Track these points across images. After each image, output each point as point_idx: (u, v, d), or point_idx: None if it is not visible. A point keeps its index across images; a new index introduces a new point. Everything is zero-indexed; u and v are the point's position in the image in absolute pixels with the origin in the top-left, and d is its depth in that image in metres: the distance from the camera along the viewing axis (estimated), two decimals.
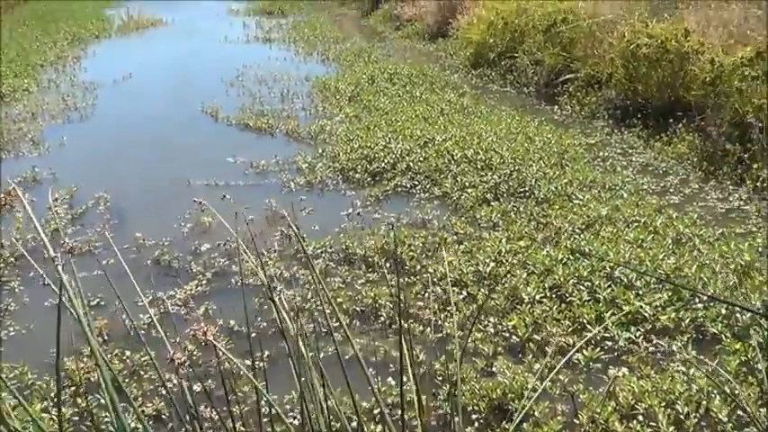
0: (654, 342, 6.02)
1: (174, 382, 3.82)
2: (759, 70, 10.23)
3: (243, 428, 3.99)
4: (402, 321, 3.68)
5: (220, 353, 2.98)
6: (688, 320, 6.25)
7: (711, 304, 6.42)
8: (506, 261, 7.54)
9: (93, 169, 11.42)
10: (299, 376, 3.24)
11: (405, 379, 5.17)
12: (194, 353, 6.03)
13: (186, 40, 25.74)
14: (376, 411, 5.23)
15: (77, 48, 23.62)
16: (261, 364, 4.27)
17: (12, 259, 8.21)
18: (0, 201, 2.88)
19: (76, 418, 5.46)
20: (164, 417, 5.46)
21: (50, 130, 13.91)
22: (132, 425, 3.33)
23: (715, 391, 5.27)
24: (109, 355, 6.22)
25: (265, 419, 4.24)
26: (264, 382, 3.58)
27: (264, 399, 3.22)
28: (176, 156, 12.22)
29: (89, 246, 8.05)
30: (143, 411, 3.27)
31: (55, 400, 5.68)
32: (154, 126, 14.37)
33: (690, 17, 12.50)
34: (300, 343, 3.20)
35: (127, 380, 5.82)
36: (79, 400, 5.60)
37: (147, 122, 14.66)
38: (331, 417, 3.29)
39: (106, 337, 6.49)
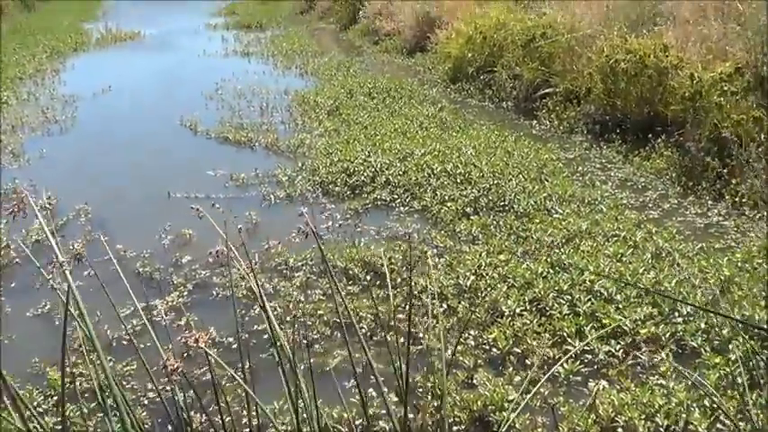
0: (634, 355, 6.06)
1: (159, 391, 3.81)
2: (738, 86, 10.30)
3: None
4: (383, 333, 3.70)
5: (206, 362, 3.00)
6: (668, 334, 6.29)
7: (691, 318, 6.47)
8: (486, 274, 7.57)
9: (73, 181, 11.42)
10: (289, 384, 3.26)
11: (387, 390, 5.21)
12: (176, 363, 6.03)
13: (165, 54, 25.72)
14: (358, 422, 5.24)
15: (56, 61, 23.57)
16: (245, 375, 4.28)
17: None
18: (13, 207, 2.89)
19: (59, 428, 5.45)
20: (146, 426, 5.46)
21: (30, 142, 13.89)
22: None
23: (695, 404, 5.30)
24: (91, 366, 6.21)
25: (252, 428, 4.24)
26: (250, 392, 3.57)
27: (255, 406, 3.23)
28: (156, 169, 12.23)
29: (72, 256, 8.05)
30: (130, 421, 3.26)
31: (38, 410, 5.69)
32: (133, 139, 14.36)
33: (669, 33, 12.56)
34: (290, 352, 3.22)
35: (108, 390, 5.82)
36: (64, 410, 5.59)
37: (127, 135, 14.65)
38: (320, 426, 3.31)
39: (89, 348, 6.48)
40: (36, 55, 23.84)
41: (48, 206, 9.26)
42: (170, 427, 5.10)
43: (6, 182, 10.94)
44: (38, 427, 5.21)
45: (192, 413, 3.93)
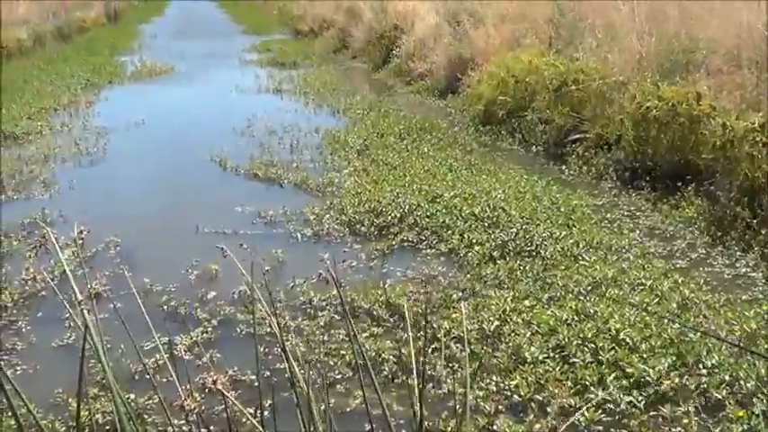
0: (656, 407, 6.02)
1: (175, 427, 3.82)
2: None
3: None
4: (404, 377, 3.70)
5: (226, 400, 3.00)
6: (692, 386, 6.25)
7: (716, 370, 6.43)
8: (511, 320, 7.56)
9: (102, 213, 11.46)
10: (306, 426, 3.26)
11: None
12: (198, 398, 6.05)
13: (198, 89, 25.83)
14: None
15: (90, 93, 23.69)
16: (265, 414, 4.28)
17: (21, 300, 8.28)
18: (36, 243, 2.92)
19: None
20: None
21: (62, 172, 13.97)
22: None
23: None
24: (109, 401, 6.24)
25: None
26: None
27: None
28: (185, 203, 12.28)
29: (90, 295, 8.07)
30: None
31: None
32: (164, 172, 14.45)
33: (702, 81, 12.53)
34: (309, 393, 3.22)
35: (131, 422, 5.83)
36: None
37: (158, 169, 14.74)
38: None
39: (107, 383, 6.50)
40: (71, 86, 24.00)
41: (80, 240, 9.29)
42: None
43: (36, 211, 11.01)
44: None
45: None
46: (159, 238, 10.47)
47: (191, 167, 14.82)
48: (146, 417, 6.07)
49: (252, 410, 4.11)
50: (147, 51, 33.98)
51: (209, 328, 7.67)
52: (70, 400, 6.25)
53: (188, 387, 3.50)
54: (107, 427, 5.81)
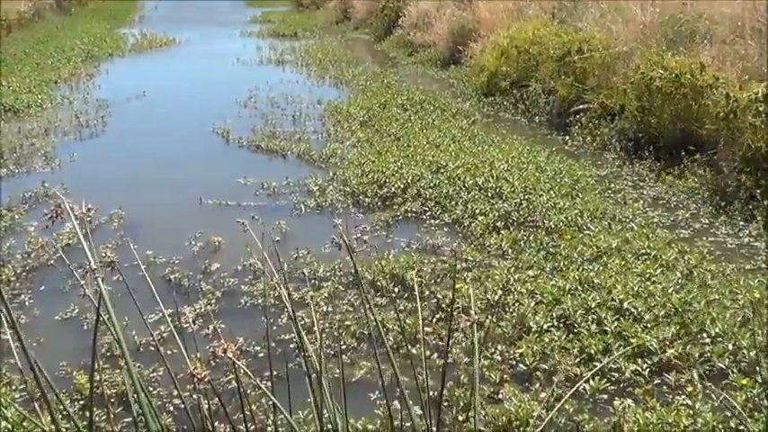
0: (660, 375, 6.03)
1: (183, 398, 3.81)
2: None
3: None
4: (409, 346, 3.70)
5: (233, 370, 3.00)
6: (696, 355, 6.26)
7: (719, 339, 6.43)
8: (515, 290, 7.56)
9: (104, 186, 11.45)
10: (315, 395, 3.26)
11: (411, 403, 5.20)
12: (204, 370, 6.05)
13: (199, 61, 25.76)
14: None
15: (91, 65, 23.64)
16: (269, 384, 4.28)
17: (24, 273, 8.28)
18: (51, 212, 2.92)
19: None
20: None
21: (63, 146, 13.96)
22: None
23: (721, 426, 5.26)
24: (117, 371, 6.25)
25: None
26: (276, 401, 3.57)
27: (280, 415, 3.24)
28: (188, 175, 12.27)
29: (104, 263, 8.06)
30: (152, 427, 3.27)
31: (65, 412, 5.70)
32: (166, 145, 14.46)
33: (705, 51, 12.49)
34: (317, 362, 3.22)
35: (135, 395, 5.84)
36: (88, 413, 5.62)
37: (160, 141, 14.75)
38: None
39: (116, 353, 6.51)
40: (71, 59, 23.93)
41: (87, 217, 9.27)
42: None
43: (37, 185, 11.01)
44: (63, 430, 5.25)
45: (216, 422, 3.93)
46: (162, 211, 10.46)
47: (193, 139, 14.81)
48: (150, 389, 6.07)
49: (258, 381, 4.10)
50: (148, 23, 33.95)
51: (213, 300, 7.67)
52: (74, 372, 6.26)
53: (196, 357, 3.50)
54: (112, 400, 5.82)
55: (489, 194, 10.28)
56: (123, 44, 28.94)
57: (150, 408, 3.26)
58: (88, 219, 3.56)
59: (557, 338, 6.58)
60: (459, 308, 7.17)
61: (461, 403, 5.73)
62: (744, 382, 5.75)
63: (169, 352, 5.84)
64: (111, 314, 3.00)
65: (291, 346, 6.60)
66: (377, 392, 5.82)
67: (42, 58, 23.62)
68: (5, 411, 5.49)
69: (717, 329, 6.56)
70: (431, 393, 3.74)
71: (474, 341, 4.28)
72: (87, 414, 5.62)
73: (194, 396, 3.61)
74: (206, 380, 2.87)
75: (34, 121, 15.69)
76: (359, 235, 8.98)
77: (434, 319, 7.07)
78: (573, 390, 4.19)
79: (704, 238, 9.10)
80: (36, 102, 17.38)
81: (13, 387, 6.09)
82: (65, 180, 11.27)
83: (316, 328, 6.27)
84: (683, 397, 5.73)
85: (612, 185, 11.08)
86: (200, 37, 31.33)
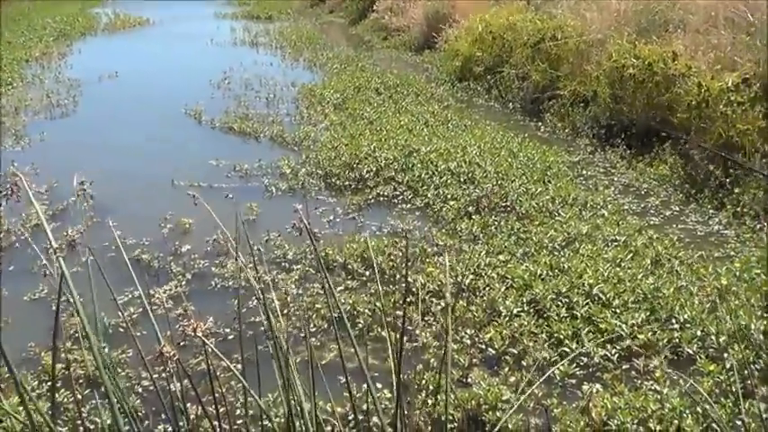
0: (629, 360, 6.05)
1: (153, 379, 3.80)
2: (745, 96, 10.28)
3: (226, 426, 4.00)
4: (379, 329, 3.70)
5: (202, 352, 3.00)
6: (663, 340, 6.29)
7: (688, 325, 6.47)
8: (485, 274, 7.57)
9: (74, 166, 11.30)
10: (284, 377, 3.26)
11: (381, 385, 5.22)
12: (171, 350, 6.04)
13: (172, 41, 25.69)
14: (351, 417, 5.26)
15: (63, 44, 23.55)
16: (239, 366, 4.28)
17: None
18: (7, 189, 2.89)
19: (50, 413, 5.46)
20: (140, 414, 5.48)
21: (33, 125, 13.91)
22: (108, 421, 3.33)
23: (688, 411, 5.29)
24: (87, 351, 6.22)
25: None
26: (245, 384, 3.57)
27: (249, 397, 3.24)
28: (159, 156, 12.24)
29: (66, 243, 8.02)
30: (120, 408, 3.27)
31: (33, 394, 5.69)
32: (137, 126, 14.37)
33: (678, 40, 12.53)
34: (286, 346, 3.22)
35: (107, 371, 5.82)
36: (57, 396, 5.60)
37: (131, 122, 14.67)
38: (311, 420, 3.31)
39: (84, 334, 6.48)
40: (43, 38, 23.80)
41: (43, 193, 9.20)
42: (164, 416, 5.11)
43: (6, 164, 10.93)
44: (32, 410, 5.22)
45: (187, 403, 3.92)
46: (133, 192, 10.40)
47: (165, 121, 14.77)
48: (119, 370, 6.04)
49: (228, 362, 4.09)
50: (121, 3, 33.75)
51: (184, 282, 7.65)
52: (42, 354, 6.23)
53: (166, 336, 3.49)
54: (80, 381, 5.80)
55: (461, 179, 10.29)
56: (96, 24, 28.84)
57: (117, 389, 3.25)
58: (45, 195, 3.54)
59: (526, 323, 6.59)
60: (430, 292, 7.20)
61: (430, 387, 5.74)
62: (711, 368, 5.78)
63: (139, 333, 5.83)
64: (73, 295, 2.98)
65: (262, 328, 6.59)
66: (347, 375, 5.83)
67: (14, 36, 23.51)
68: None
69: (685, 316, 6.59)
70: (403, 376, 3.74)
71: (445, 325, 4.30)
72: (57, 396, 5.63)
73: (163, 377, 3.60)
74: (175, 359, 2.86)
75: (4, 99, 15.61)
76: (331, 217, 9.00)
77: (404, 303, 7.07)
78: (545, 376, 4.21)
79: (674, 226, 9.14)
80: (6, 80, 17.29)
81: None
82: (35, 160, 11.20)
83: (285, 311, 6.29)
84: (651, 383, 5.76)
85: (584, 172, 11.11)
86: (174, 17, 31.20)
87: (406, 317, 5.83)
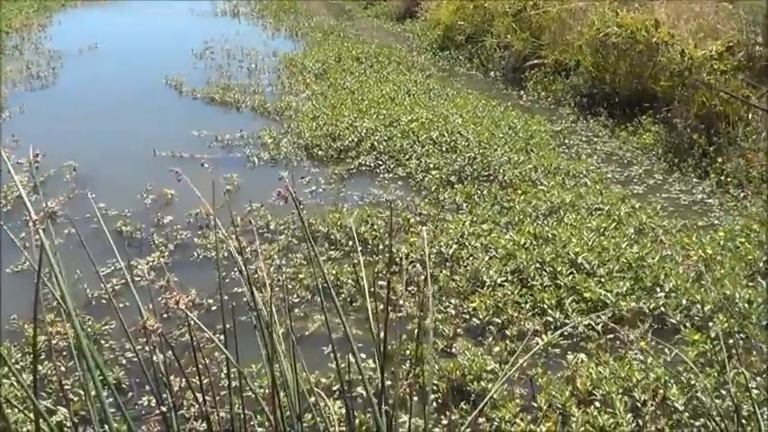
0: (613, 329, 6.04)
1: (136, 350, 3.77)
2: (728, 65, 10.28)
3: (210, 398, 3.98)
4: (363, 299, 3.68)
5: (185, 323, 2.97)
6: (648, 310, 6.29)
7: (673, 294, 6.46)
8: (469, 244, 7.55)
9: (56, 138, 11.31)
10: (267, 349, 3.24)
11: (365, 356, 5.20)
12: (155, 323, 6.01)
13: (153, 12, 25.52)
14: (336, 387, 5.24)
15: (43, 16, 23.40)
16: (223, 337, 4.26)
17: None
18: None
19: (37, 384, 5.44)
20: (124, 386, 5.46)
21: (13, 97, 13.81)
22: (93, 393, 3.30)
23: (673, 380, 5.30)
24: (67, 324, 6.18)
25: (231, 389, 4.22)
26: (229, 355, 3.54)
27: (234, 369, 3.22)
28: (140, 127, 12.14)
29: (45, 215, 7.95)
30: (103, 379, 3.25)
31: (17, 366, 5.66)
32: (118, 97, 14.25)
33: (661, 8, 12.50)
34: (269, 315, 3.19)
35: (88, 345, 5.79)
36: (40, 367, 5.57)
37: (112, 93, 14.54)
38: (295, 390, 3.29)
39: (64, 308, 6.45)
40: (23, 9, 23.64)
41: (35, 163, 9.14)
42: (147, 387, 5.09)
43: None
44: (15, 384, 5.19)
45: (171, 376, 3.89)
46: (114, 163, 10.33)
47: (147, 91, 14.67)
48: (102, 342, 6.02)
49: (212, 334, 4.06)
50: None
51: (166, 253, 7.62)
52: (26, 326, 6.19)
53: (149, 310, 3.46)
54: (65, 353, 5.76)
55: (444, 149, 10.27)
56: None
57: (95, 362, 3.22)
58: (36, 165, 3.49)
59: (510, 293, 6.58)
60: (413, 262, 7.18)
61: (414, 358, 5.74)
62: (696, 337, 5.78)
63: (122, 305, 5.80)
64: (53, 267, 2.94)
65: (245, 299, 6.56)
66: (330, 346, 5.82)
67: None
68: None
69: (670, 285, 6.59)
70: (385, 347, 3.72)
71: (428, 295, 4.28)
72: (40, 368, 5.60)
73: (146, 349, 3.57)
74: (158, 332, 2.83)
75: None
76: (313, 188, 8.97)
77: (388, 273, 7.05)
78: (524, 344, 4.19)
79: (657, 195, 9.14)
80: None
81: None
82: (15, 131, 11.13)
83: (268, 282, 6.26)
84: (635, 352, 5.76)
85: (567, 141, 11.09)
86: None
87: (390, 287, 5.82)
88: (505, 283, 6.76)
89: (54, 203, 3.15)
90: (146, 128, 12.09)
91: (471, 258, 7.25)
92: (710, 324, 6.00)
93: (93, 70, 16.66)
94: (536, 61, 14.60)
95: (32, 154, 3.23)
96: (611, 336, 6.02)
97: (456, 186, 9.07)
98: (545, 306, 6.39)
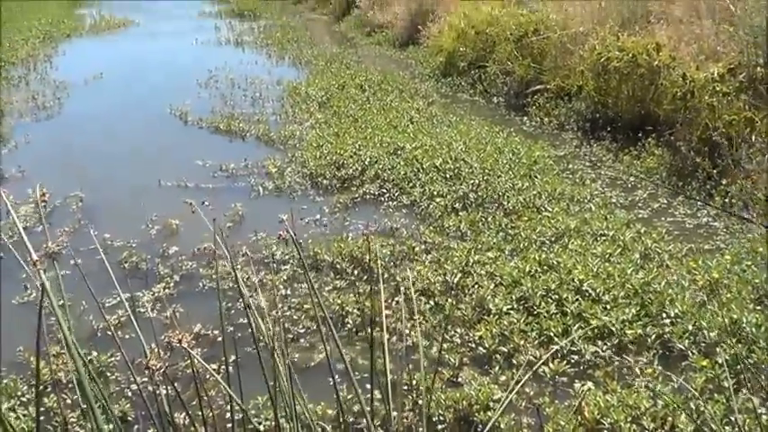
0: (620, 357, 6.03)
1: (139, 385, 3.76)
2: (730, 86, 10.28)
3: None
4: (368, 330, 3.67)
5: (190, 357, 2.97)
6: (654, 336, 6.27)
7: (679, 320, 6.45)
8: (474, 272, 7.54)
9: (61, 168, 11.34)
10: (271, 381, 3.23)
11: (369, 387, 5.19)
12: (161, 355, 6.00)
13: (157, 42, 25.66)
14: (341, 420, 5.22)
15: (49, 46, 23.50)
16: (230, 369, 4.25)
17: None
18: None
19: (42, 418, 5.44)
20: (130, 419, 5.45)
21: (19, 127, 13.85)
22: (96, 427, 3.29)
23: (681, 408, 5.27)
24: (70, 358, 6.17)
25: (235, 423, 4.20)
26: (233, 387, 3.54)
27: (236, 403, 3.21)
28: (146, 157, 12.17)
29: (58, 246, 7.97)
30: (104, 415, 3.23)
31: (23, 399, 5.66)
32: (124, 127, 14.30)
33: (661, 32, 12.53)
34: (273, 348, 3.19)
35: (92, 382, 5.78)
36: (46, 400, 5.56)
37: (118, 123, 14.58)
38: (300, 423, 3.28)
39: (66, 343, 6.44)
40: (29, 40, 23.74)
41: (42, 202, 9.14)
42: (151, 421, 5.08)
43: None
44: (21, 416, 5.19)
45: (174, 412, 3.88)
46: (120, 193, 10.35)
47: (151, 121, 14.72)
48: (108, 375, 6.01)
49: (215, 366, 4.06)
50: (106, 4, 33.65)
51: (172, 284, 7.61)
52: (32, 358, 6.18)
53: (152, 346, 3.46)
54: (70, 385, 5.75)
55: (447, 176, 10.27)
56: (81, 25, 28.73)
57: (101, 396, 3.21)
58: (43, 203, 3.50)
59: (516, 321, 6.57)
60: (418, 291, 7.17)
61: (421, 388, 5.72)
62: (704, 363, 5.76)
63: (127, 336, 5.80)
64: (52, 303, 2.94)
65: (249, 331, 6.55)
66: (336, 377, 5.80)
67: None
68: None
69: (676, 310, 6.57)
70: (392, 377, 3.71)
71: (434, 324, 4.28)
72: (45, 401, 5.60)
73: (150, 385, 3.56)
74: (161, 371, 2.82)
75: None
76: (317, 216, 8.97)
77: (394, 302, 7.04)
78: (532, 371, 4.18)
79: (662, 219, 9.13)
80: None
81: None
82: (21, 162, 11.16)
83: (273, 312, 6.26)
84: (643, 379, 5.74)
85: (570, 166, 11.09)
86: (160, 17, 31.13)
87: (393, 316, 5.81)
88: (511, 311, 6.74)
89: (55, 244, 3.16)
90: (151, 157, 12.12)
91: (476, 286, 7.24)
92: (718, 349, 5.98)
93: (98, 100, 16.71)
94: (538, 87, 14.61)
95: (39, 193, 3.22)
96: (619, 363, 6.01)
97: (460, 214, 9.07)
98: (551, 334, 6.38)
